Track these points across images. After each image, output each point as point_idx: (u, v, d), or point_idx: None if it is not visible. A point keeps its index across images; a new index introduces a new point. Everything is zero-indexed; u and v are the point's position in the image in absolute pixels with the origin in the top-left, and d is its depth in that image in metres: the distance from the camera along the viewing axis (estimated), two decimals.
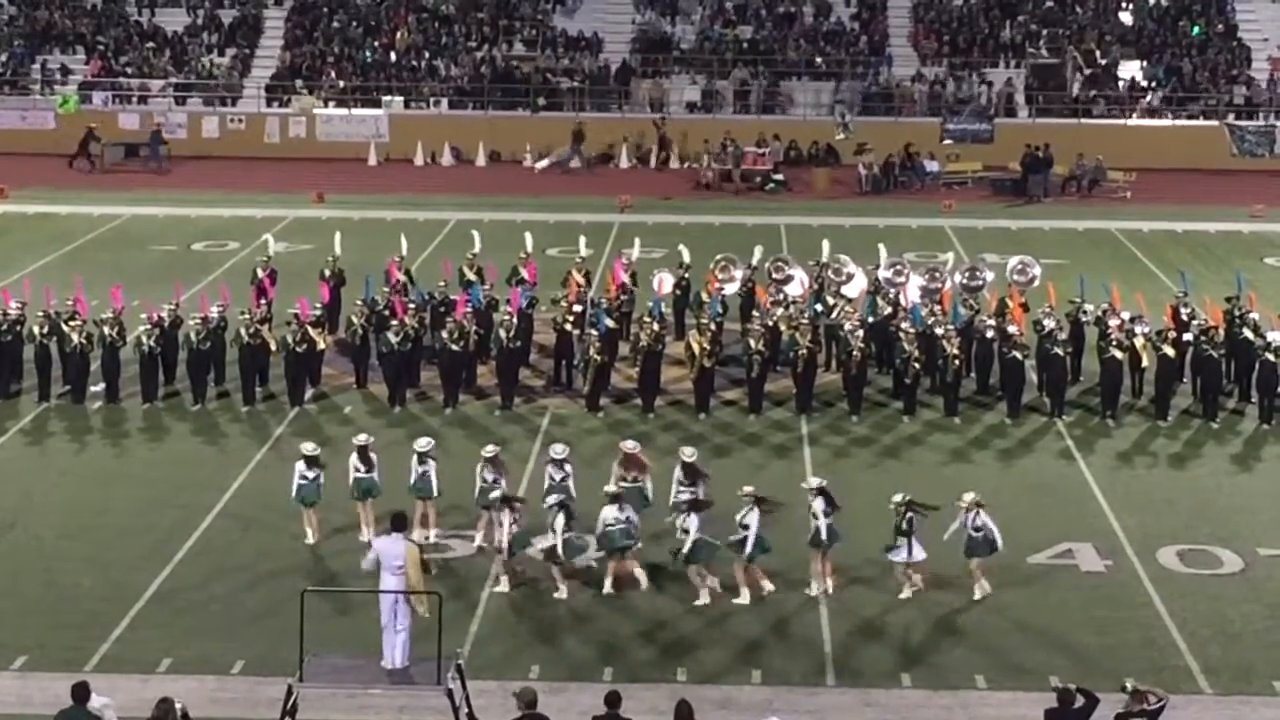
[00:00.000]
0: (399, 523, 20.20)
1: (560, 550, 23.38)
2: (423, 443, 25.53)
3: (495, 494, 23.82)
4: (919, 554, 23.28)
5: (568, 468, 25.31)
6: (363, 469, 25.24)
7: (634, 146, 58.99)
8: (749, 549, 23.08)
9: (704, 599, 23.17)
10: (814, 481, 24.10)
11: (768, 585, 23.36)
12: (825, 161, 57.99)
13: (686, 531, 23.05)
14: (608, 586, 23.48)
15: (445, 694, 18.10)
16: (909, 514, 23.20)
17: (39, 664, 21.37)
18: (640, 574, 23.75)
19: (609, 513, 23.51)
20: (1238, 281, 35.25)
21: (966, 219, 49.77)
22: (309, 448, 25.39)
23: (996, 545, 23.44)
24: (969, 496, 23.49)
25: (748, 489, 23.49)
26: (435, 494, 25.28)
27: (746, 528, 23.05)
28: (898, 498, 23.30)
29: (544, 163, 57.87)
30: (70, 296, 33.27)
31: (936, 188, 54.89)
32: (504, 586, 23.50)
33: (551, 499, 23.75)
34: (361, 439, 25.68)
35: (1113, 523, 26.50)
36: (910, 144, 56.38)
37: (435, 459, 25.39)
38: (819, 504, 23.41)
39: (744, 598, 23.16)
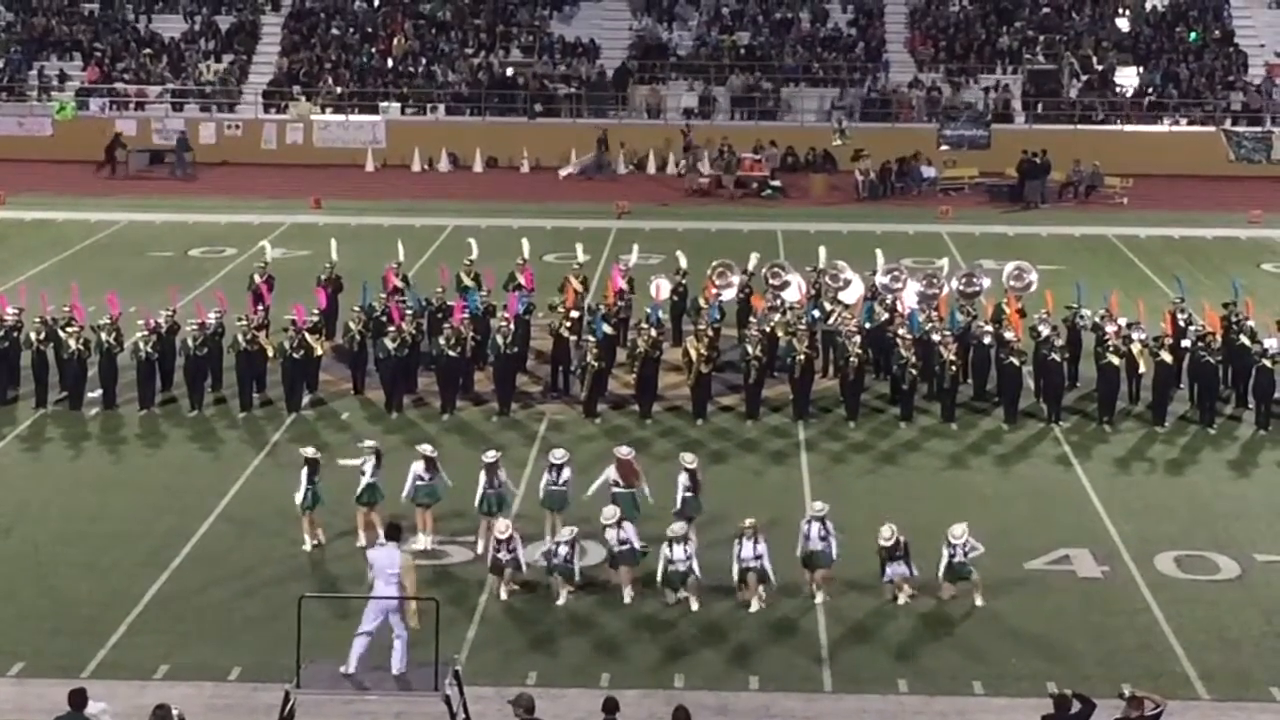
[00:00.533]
0: (392, 533, 20.16)
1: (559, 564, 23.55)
2: (430, 449, 25.57)
3: (505, 526, 23.70)
4: (915, 571, 23.37)
5: (566, 472, 25.34)
6: (370, 474, 25.21)
7: (631, 154, 58.97)
8: (771, 578, 23.24)
9: (695, 605, 23.19)
10: (818, 507, 24.00)
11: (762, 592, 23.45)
12: (822, 167, 57.98)
13: (689, 558, 23.11)
14: (628, 596, 23.49)
15: (443, 700, 18.06)
16: (904, 540, 23.25)
17: (36, 670, 21.35)
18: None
19: (630, 529, 23.61)
20: (1234, 288, 35.25)
21: (963, 225, 49.76)
22: (310, 452, 25.39)
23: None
24: (959, 529, 23.28)
25: (749, 521, 23.44)
26: (445, 492, 25.31)
27: (760, 557, 23.11)
28: (885, 533, 23.24)
29: (569, 169, 57.81)
30: (67, 303, 33.27)
31: (933, 194, 54.88)
32: (503, 594, 23.51)
33: (565, 533, 23.68)
34: (371, 444, 25.68)
35: (1110, 528, 26.47)
36: (919, 153, 56.35)
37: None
38: (829, 526, 23.52)
39: (755, 607, 23.19)
